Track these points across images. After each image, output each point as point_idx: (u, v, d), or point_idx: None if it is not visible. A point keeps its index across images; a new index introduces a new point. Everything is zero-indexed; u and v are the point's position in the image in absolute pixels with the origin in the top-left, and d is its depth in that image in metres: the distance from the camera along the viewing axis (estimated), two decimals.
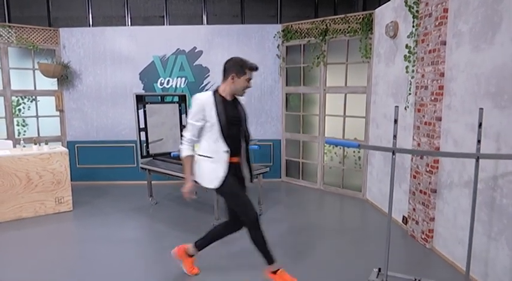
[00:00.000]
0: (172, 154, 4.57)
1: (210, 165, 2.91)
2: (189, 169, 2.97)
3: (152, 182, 5.30)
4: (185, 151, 2.94)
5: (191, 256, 3.24)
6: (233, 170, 2.95)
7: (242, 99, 3.09)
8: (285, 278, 3.01)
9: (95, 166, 6.40)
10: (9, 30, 5.81)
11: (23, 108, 6.08)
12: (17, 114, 6.03)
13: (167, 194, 5.69)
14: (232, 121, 2.92)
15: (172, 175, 4.73)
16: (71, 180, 5.01)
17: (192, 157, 2.97)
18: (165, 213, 4.91)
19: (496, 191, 2.84)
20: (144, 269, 3.39)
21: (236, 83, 2.90)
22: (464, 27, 3.24)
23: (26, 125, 6.13)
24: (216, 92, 2.93)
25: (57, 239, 4.09)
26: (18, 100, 6.01)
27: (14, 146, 5.40)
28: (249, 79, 2.94)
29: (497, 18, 2.84)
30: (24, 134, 6.05)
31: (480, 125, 2.51)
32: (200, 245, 3.19)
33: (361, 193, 5.56)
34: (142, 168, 5.18)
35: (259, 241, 2.95)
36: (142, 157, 5.25)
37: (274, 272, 3.01)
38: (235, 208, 2.98)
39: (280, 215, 4.87)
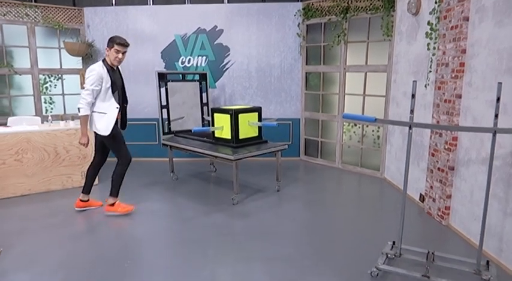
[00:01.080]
0: (193, 130, 4.69)
1: (104, 119, 3.83)
2: (86, 126, 3.83)
3: (174, 159, 5.45)
4: (86, 111, 3.75)
5: (112, 204, 4.12)
6: (116, 122, 3.93)
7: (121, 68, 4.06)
8: (122, 205, 4.10)
9: None
10: (36, 9, 5.97)
11: (50, 86, 6.28)
12: (44, 92, 6.24)
13: (188, 170, 5.85)
14: (118, 85, 3.90)
15: (192, 151, 4.87)
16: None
17: (88, 116, 3.81)
18: (186, 188, 5.07)
19: None
20: (165, 237, 3.55)
21: (110, 54, 3.79)
22: (488, 2, 3.18)
23: (53, 102, 6.35)
24: (104, 61, 3.83)
25: (83, 211, 4.28)
26: (45, 78, 6.22)
27: (42, 123, 5.61)
28: (118, 51, 3.77)
29: None
30: (51, 111, 6.27)
31: (498, 99, 2.50)
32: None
33: (380, 172, 5.58)
34: (164, 144, 5.33)
35: (121, 176, 4.09)
36: (164, 133, 5.40)
37: (112, 205, 4.08)
38: (118, 149, 4.02)
39: (298, 192, 4.96)
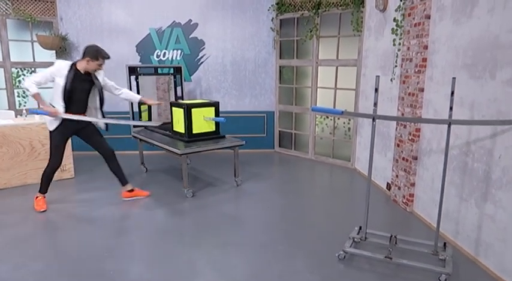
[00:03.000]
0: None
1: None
2: (41, 99, 3.82)
3: (150, 152, 5.53)
4: (33, 89, 3.72)
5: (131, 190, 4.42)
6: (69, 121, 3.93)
7: (101, 73, 4.09)
8: (40, 203, 4.12)
9: None
10: (7, 1, 5.88)
11: (23, 79, 6.21)
12: (17, 86, 6.17)
13: (160, 163, 5.93)
14: (75, 89, 3.84)
15: (151, 144, 4.99)
16: (72, 150, 5.22)
17: (39, 93, 3.78)
18: (153, 179, 5.21)
19: (468, 156, 3.07)
20: (136, 223, 3.66)
21: (90, 65, 3.84)
22: (447, 1, 3.39)
23: (26, 96, 6.28)
24: (73, 65, 3.85)
25: (59, 204, 4.32)
26: (18, 72, 6.14)
27: (16, 116, 5.57)
28: (100, 64, 3.90)
29: None
30: (24, 105, 6.21)
31: (452, 93, 2.71)
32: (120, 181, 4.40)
33: (350, 163, 5.82)
34: (134, 136, 5.43)
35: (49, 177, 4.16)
36: (134, 126, 5.49)
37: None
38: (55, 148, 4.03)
39: (272, 181, 5.13)
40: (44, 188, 4.16)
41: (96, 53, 3.84)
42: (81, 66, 3.86)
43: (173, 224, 3.76)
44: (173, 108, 4.81)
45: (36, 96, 3.78)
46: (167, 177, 5.31)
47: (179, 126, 4.71)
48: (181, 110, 4.59)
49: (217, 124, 4.83)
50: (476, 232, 2.98)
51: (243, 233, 3.55)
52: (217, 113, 4.78)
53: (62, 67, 3.80)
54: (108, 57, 3.94)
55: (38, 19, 6.08)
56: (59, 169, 5.03)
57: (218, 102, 4.83)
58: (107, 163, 4.32)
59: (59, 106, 3.85)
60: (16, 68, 6.12)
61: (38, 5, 6.12)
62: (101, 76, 4.09)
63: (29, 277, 2.79)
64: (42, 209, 4.06)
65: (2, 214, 3.98)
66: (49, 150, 4.07)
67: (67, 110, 3.88)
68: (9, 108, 6.05)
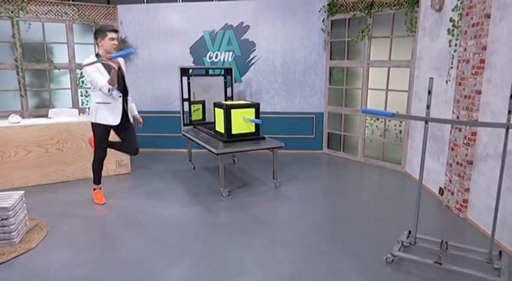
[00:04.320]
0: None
1: (109, 108, 3.95)
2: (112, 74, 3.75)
3: (194, 150, 5.76)
4: (103, 81, 3.76)
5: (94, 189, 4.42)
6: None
7: (121, 60, 4.05)
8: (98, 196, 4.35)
9: (148, 134, 6.92)
10: (74, 8, 6.33)
11: (86, 80, 6.65)
12: (81, 86, 6.62)
13: (208, 161, 6.12)
14: (118, 76, 3.84)
15: (195, 142, 5.15)
16: None
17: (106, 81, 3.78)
18: (198, 176, 5.39)
19: None
20: (185, 222, 3.82)
21: (105, 45, 3.80)
22: None
23: (89, 95, 6.72)
24: (98, 55, 3.83)
25: (117, 196, 4.61)
26: (81, 73, 6.59)
27: (79, 114, 5.98)
28: (113, 38, 3.81)
29: None
30: (87, 104, 6.65)
31: (511, 96, 2.60)
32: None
33: (401, 166, 5.68)
34: (183, 135, 5.66)
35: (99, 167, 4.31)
36: (184, 124, 5.72)
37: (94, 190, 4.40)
38: (100, 141, 4.13)
39: (318, 183, 5.14)
40: (96, 179, 4.36)
41: (100, 30, 3.85)
42: (101, 52, 3.86)
43: (211, 222, 3.88)
44: (215, 108, 4.97)
45: (112, 75, 3.74)
46: (210, 175, 5.47)
47: (220, 126, 4.85)
48: (222, 110, 4.72)
49: (257, 125, 4.90)
50: None
51: (290, 231, 3.60)
52: (257, 115, 4.85)
53: (93, 61, 3.77)
54: (116, 29, 3.89)
55: (101, 23, 6.49)
56: (117, 165, 5.39)
57: (259, 104, 4.90)
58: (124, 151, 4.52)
59: (116, 97, 3.94)
60: (80, 69, 6.57)
61: (101, 10, 6.53)
62: (123, 67, 4.10)
63: (88, 263, 3.03)
64: (102, 202, 4.31)
65: (67, 205, 4.31)
66: (93, 142, 4.21)
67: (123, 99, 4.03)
68: (73, 107, 6.51)
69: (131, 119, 4.25)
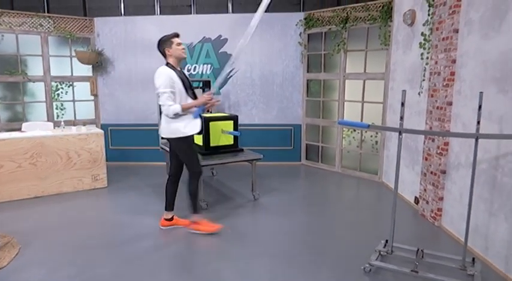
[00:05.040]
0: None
1: (185, 120, 3.62)
2: (190, 103, 3.60)
3: None
4: (177, 106, 3.51)
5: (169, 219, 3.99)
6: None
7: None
8: (206, 224, 3.84)
9: (126, 148, 6.84)
10: (49, 20, 6.26)
11: (61, 93, 6.55)
12: (56, 99, 6.51)
13: (182, 174, 6.04)
14: (188, 85, 3.67)
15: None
16: (105, 160, 5.45)
17: (181, 105, 3.55)
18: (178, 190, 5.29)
19: (497, 170, 3.04)
20: (162, 236, 3.77)
21: (174, 53, 3.63)
22: (475, 15, 3.40)
23: (64, 108, 6.61)
24: (168, 64, 3.63)
25: (93, 212, 4.52)
26: (57, 85, 6.49)
27: (54, 128, 5.87)
28: (179, 43, 3.66)
29: (504, 7, 3.00)
30: (62, 117, 6.53)
31: (480, 107, 2.71)
32: (168, 206, 3.99)
33: (377, 176, 5.78)
34: (161, 148, 5.63)
35: (195, 191, 3.82)
36: (162, 138, 5.66)
37: (196, 222, 3.85)
38: (191, 157, 3.77)
39: (299, 194, 5.17)
40: (197, 206, 3.85)
41: (164, 39, 3.64)
42: (171, 61, 3.64)
43: (189, 235, 3.85)
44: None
45: (185, 106, 3.55)
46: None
47: (198, 138, 4.84)
48: None
49: (235, 137, 4.91)
50: (507, 247, 2.93)
51: (262, 245, 3.60)
52: (236, 127, 4.85)
53: (166, 71, 3.52)
54: (178, 34, 3.71)
55: (77, 36, 6.43)
56: (93, 179, 5.29)
57: (237, 116, 4.91)
58: (173, 179, 4.03)
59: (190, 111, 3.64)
60: (55, 82, 6.46)
61: (77, 23, 6.47)
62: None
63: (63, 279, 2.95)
64: (216, 228, 3.83)
65: (41, 222, 4.19)
66: (185, 161, 3.80)
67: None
68: (48, 120, 6.38)
69: None
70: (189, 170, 3.79)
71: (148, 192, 5.21)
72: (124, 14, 7.23)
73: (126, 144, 6.84)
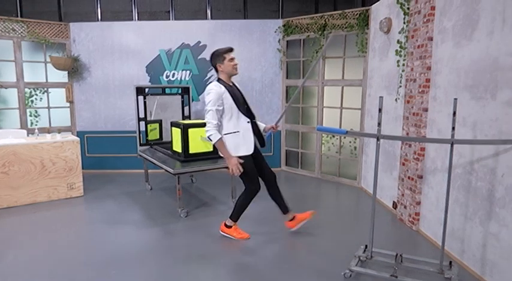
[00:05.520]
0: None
1: (240, 137, 3.55)
2: (226, 148, 3.51)
3: (152, 171, 5.63)
4: (217, 135, 3.44)
5: (229, 226, 3.87)
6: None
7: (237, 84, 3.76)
8: (239, 231, 3.86)
9: (103, 155, 6.71)
10: (22, 24, 6.10)
11: (36, 99, 6.38)
12: (30, 105, 6.34)
13: (166, 182, 6.02)
14: (241, 101, 3.62)
15: (151, 162, 5.05)
16: (82, 168, 5.33)
17: (221, 138, 3.49)
18: (155, 197, 5.28)
19: (472, 175, 3.11)
20: (142, 245, 3.70)
21: (226, 68, 3.56)
22: (448, 24, 3.49)
23: (38, 115, 6.45)
24: (219, 80, 3.58)
25: (69, 222, 4.40)
26: (30, 92, 6.32)
27: (27, 135, 5.71)
28: (232, 58, 3.57)
29: (476, 16, 3.08)
30: (36, 124, 6.37)
31: (454, 113, 2.77)
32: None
33: (356, 181, 5.84)
34: (139, 155, 5.55)
35: (245, 205, 3.82)
36: (140, 144, 5.61)
37: (229, 226, 3.87)
38: (247, 175, 3.66)
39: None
40: (237, 215, 3.84)
41: (216, 54, 3.58)
42: (223, 77, 3.61)
43: (168, 244, 3.79)
44: (172, 128, 4.91)
45: (217, 145, 3.50)
46: (168, 196, 5.34)
47: (177, 145, 4.79)
48: (179, 130, 4.68)
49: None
50: (482, 250, 2.99)
51: (243, 253, 3.57)
52: None
53: (216, 87, 3.47)
54: (231, 48, 3.64)
55: (52, 41, 6.29)
56: (69, 187, 5.17)
57: None
58: (268, 187, 3.93)
59: (243, 123, 3.58)
60: (29, 88, 6.30)
61: (52, 28, 6.34)
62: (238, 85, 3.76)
63: None
64: (246, 236, 3.85)
65: (13, 233, 4.05)
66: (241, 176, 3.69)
67: (251, 120, 3.66)
68: (21, 127, 6.21)
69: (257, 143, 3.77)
70: (246, 186, 3.76)
71: (125, 200, 5.12)
72: (101, 20, 7.13)
73: (103, 151, 6.71)
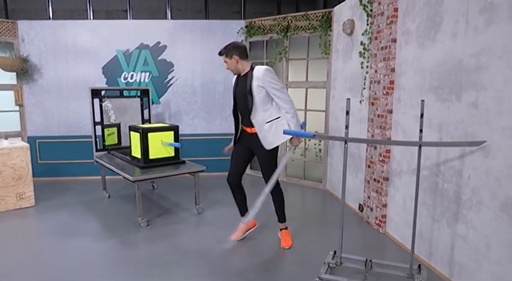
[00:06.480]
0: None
1: (281, 124, 3.54)
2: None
3: (110, 177, 5.35)
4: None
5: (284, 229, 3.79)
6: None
7: (260, 74, 3.38)
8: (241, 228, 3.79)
9: (56, 162, 6.32)
10: None
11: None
12: None
13: (125, 189, 5.73)
14: (236, 96, 3.70)
15: (109, 169, 4.76)
16: (33, 176, 4.96)
17: None
18: (113, 206, 5.01)
19: (438, 177, 3.10)
20: (99, 258, 3.46)
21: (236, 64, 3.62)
22: (412, 25, 3.49)
23: None
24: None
25: (18, 235, 4.05)
26: None
27: None
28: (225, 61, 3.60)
29: (439, 18, 3.09)
30: None
31: (422, 115, 2.74)
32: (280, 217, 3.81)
33: (322, 184, 5.81)
34: (96, 161, 5.24)
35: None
36: (97, 150, 5.30)
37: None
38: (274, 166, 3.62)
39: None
40: (284, 215, 3.79)
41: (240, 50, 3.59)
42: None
43: (128, 256, 3.57)
44: (131, 132, 4.65)
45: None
46: (127, 204, 5.07)
47: (136, 151, 4.55)
48: (138, 134, 4.44)
49: (176, 149, 4.67)
50: (449, 252, 2.98)
51: (208, 263, 3.41)
52: (176, 138, 4.60)
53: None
54: (219, 52, 3.69)
55: None
56: (18, 197, 4.80)
57: (177, 126, 4.66)
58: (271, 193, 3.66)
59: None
60: None
61: None
62: (259, 80, 3.34)
63: None
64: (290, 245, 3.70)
65: None
66: (267, 172, 3.62)
67: (242, 122, 3.64)
68: None
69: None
70: (272, 180, 3.43)
71: (81, 210, 4.80)
72: (52, 18, 6.72)
73: (57, 158, 6.31)
